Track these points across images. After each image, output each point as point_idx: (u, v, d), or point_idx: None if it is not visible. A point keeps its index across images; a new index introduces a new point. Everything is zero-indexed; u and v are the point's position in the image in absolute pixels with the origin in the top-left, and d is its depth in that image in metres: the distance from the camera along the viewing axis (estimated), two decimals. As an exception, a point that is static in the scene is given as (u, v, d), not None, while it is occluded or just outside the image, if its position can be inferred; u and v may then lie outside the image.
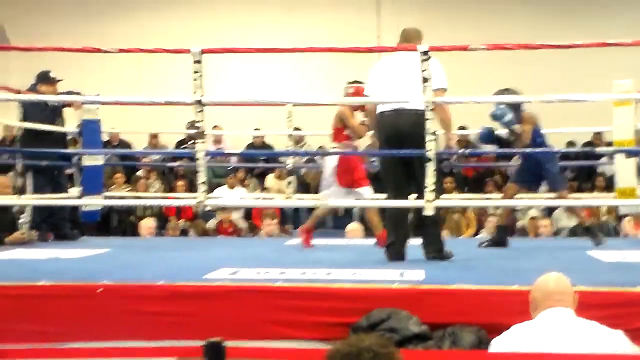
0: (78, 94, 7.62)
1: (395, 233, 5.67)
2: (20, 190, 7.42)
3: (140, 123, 11.55)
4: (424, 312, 4.17)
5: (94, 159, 7.88)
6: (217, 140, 12.49)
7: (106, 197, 8.51)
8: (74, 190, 7.82)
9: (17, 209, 7.33)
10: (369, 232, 8.19)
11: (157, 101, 6.38)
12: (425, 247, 5.59)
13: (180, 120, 11.63)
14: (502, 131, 6.96)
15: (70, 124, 7.92)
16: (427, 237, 5.60)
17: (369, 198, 6.84)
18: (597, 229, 7.13)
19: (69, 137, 8.09)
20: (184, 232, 10.80)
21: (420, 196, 5.41)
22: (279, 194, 10.32)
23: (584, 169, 11.67)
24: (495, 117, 6.75)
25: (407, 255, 5.62)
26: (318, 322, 4.22)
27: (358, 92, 6.71)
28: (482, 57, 11.21)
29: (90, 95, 7.87)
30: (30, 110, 7.35)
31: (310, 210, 11.07)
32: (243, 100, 10.23)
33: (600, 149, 9.69)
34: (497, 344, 3.29)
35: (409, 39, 5.74)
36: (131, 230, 10.75)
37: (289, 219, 11.46)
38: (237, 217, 10.99)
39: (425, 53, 5.22)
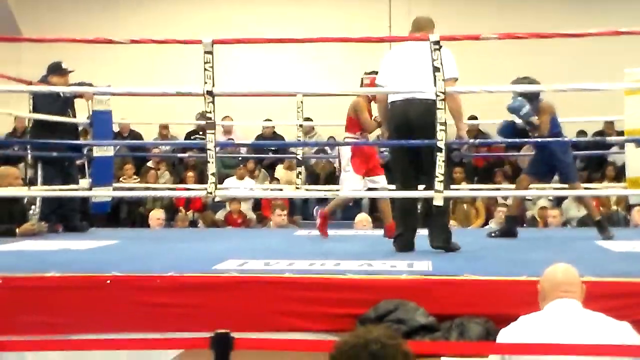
0: (90, 85, 7.62)
1: (404, 224, 5.67)
2: (31, 182, 7.44)
3: (150, 114, 11.56)
4: (431, 303, 4.17)
5: (104, 150, 7.89)
6: (227, 131, 12.48)
7: (116, 189, 8.52)
8: (84, 182, 7.83)
9: (27, 200, 7.35)
10: (377, 222, 8.18)
11: (167, 92, 6.39)
12: (431, 237, 5.56)
13: (190, 111, 11.64)
14: (520, 123, 6.81)
15: (82, 115, 7.92)
16: (433, 226, 5.57)
17: (384, 187, 6.81)
18: (606, 222, 7.06)
19: (80, 128, 8.09)
20: (193, 223, 10.82)
21: (429, 186, 5.39)
22: (289, 185, 10.32)
23: (594, 158, 11.63)
24: (513, 109, 6.62)
25: (416, 246, 5.61)
26: (326, 314, 4.23)
27: (373, 83, 6.69)
28: (494, 47, 11.16)
29: (101, 86, 7.87)
30: (42, 102, 7.36)
31: (320, 201, 11.12)
32: (253, 91, 10.24)
33: (610, 139, 9.64)
34: (505, 335, 3.29)
35: (421, 28, 5.71)
36: (140, 221, 10.77)
37: (298, 209, 11.46)
38: (246, 208, 10.99)
39: (436, 43, 5.21)
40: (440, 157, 5.25)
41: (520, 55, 11.52)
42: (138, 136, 12.67)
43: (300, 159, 8.78)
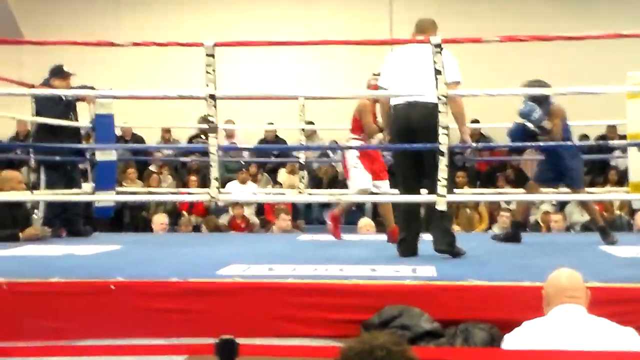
0: (92, 88, 7.62)
1: (407, 229, 5.66)
2: (34, 186, 7.43)
3: (153, 117, 11.57)
4: (436, 308, 4.16)
5: (107, 154, 7.88)
6: (230, 135, 12.48)
7: (118, 193, 8.52)
8: (87, 186, 7.82)
9: (31, 204, 7.35)
10: (380, 227, 8.18)
11: (169, 95, 6.39)
12: (435, 241, 5.53)
13: (192, 115, 11.65)
14: (531, 127, 6.72)
15: (84, 118, 7.92)
16: (436, 230, 5.53)
17: (386, 192, 6.80)
18: (610, 228, 7.03)
19: (82, 132, 8.09)
20: (196, 228, 10.82)
21: (432, 191, 5.38)
22: (291, 189, 10.31)
23: (597, 162, 11.63)
24: (523, 114, 6.56)
25: (420, 251, 5.60)
26: (329, 319, 4.22)
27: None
28: (496, 50, 11.18)
29: (103, 89, 7.88)
30: (44, 105, 7.36)
31: (323, 205, 11.12)
32: (256, 95, 10.25)
33: (613, 142, 9.63)
34: (509, 341, 3.28)
35: (424, 29, 5.68)
36: (143, 226, 10.77)
37: (301, 214, 11.46)
38: (249, 212, 10.99)
39: (437, 45, 5.19)
40: (443, 161, 5.24)
41: (522, 58, 11.54)
42: (140, 140, 12.68)
43: (303, 163, 8.77)
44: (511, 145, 7.77)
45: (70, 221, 7.48)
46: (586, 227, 9.44)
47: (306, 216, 11.47)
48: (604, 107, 8.49)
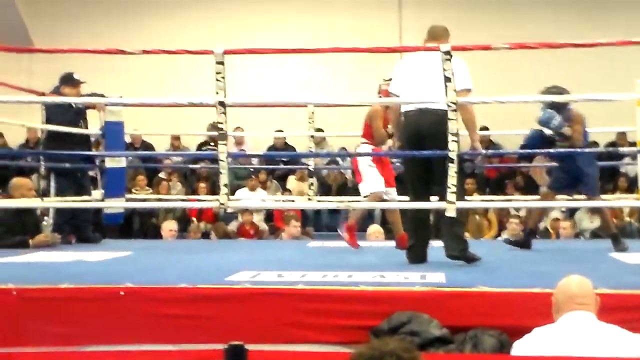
0: (102, 95, 7.65)
1: (416, 235, 5.65)
2: (44, 193, 7.46)
3: (162, 125, 11.58)
4: (445, 315, 4.15)
5: (116, 161, 7.91)
6: (239, 142, 12.49)
7: (128, 200, 8.53)
8: (97, 193, 7.84)
9: (41, 211, 7.37)
10: (389, 234, 8.16)
11: (179, 102, 6.40)
12: (446, 247, 5.50)
13: (202, 122, 11.65)
14: (550, 134, 6.68)
15: (94, 125, 7.94)
16: (447, 236, 5.51)
17: (395, 199, 6.78)
18: (620, 235, 6.99)
19: (92, 139, 8.11)
20: (205, 235, 10.83)
21: (442, 197, 5.37)
22: (300, 196, 10.31)
23: (607, 169, 11.58)
24: (542, 122, 6.54)
25: (429, 257, 5.59)
26: (339, 326, 4.22)
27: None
28: (505, 57, 11.16)
29: (113, 97, 7.90)
30: (54, 112, 7.39)
31: (332, 212, 11.11)
32: (265, 102, 10.25)
33: (623, 149, 9.59)
34: (519, 347, 3.28)
35: (436, 37, 5.67)
36: (153, 232, 10.79)
37: (310, 221, 11.45)
38: (258, 219, 11.00)
39: (447, 53, 5.19)
40: (452, 168, 5.23)
41: (532, 65, 11.52)
42: (150, 147, 12.70)
43: (312, 169, 8.77)
44: (521, 152, 7.74)
45: (79, 228, 7.50)
46: (595, 234, 9.41)
47: (315, 223, 11.46)
48: (614, 114, 8.46)
